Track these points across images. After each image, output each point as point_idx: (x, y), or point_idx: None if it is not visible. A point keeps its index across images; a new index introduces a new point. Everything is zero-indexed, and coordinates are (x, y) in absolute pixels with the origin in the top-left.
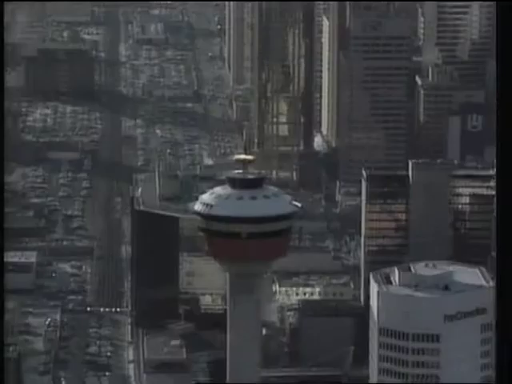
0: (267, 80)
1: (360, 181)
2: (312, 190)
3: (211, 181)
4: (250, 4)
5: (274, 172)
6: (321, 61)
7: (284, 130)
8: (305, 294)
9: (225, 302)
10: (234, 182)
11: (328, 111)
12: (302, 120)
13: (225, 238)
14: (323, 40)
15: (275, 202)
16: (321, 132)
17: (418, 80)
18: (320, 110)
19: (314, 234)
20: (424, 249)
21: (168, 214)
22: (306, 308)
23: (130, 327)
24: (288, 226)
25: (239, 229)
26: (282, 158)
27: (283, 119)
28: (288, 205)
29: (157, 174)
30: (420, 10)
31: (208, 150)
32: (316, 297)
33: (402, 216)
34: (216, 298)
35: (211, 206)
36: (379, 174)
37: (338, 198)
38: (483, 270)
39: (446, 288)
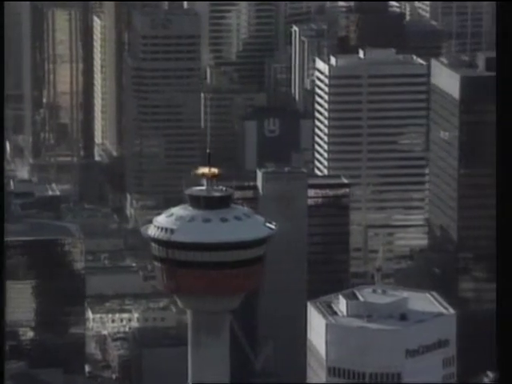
0: (41, 85)
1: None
2: (98, 204)
3: (29, 197)
4: None
5: (54, 185)
6: (92, 64)
7: (61, 138)
8: (122, 320)
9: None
10: (198, 201)
11: (104, 118)
12: (81, 127)
13: (189, 268)
14: (95, 42)
15: (249, 225)
16: (94, 141)
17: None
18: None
19: (111, 252)
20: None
21: None
22: (137, 337)
23: None
24: (263, 253)
25: (208, 257)
26: (61, 169)
27: (59, 127)
28: (263, 227)
29: None
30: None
31: None
32: (135, 323)
33: None
34: (41, 329)
35: (172, 230)
36: (223, 184)
37: (131, 212)
38: (435, 294)
39: (404, 318)
